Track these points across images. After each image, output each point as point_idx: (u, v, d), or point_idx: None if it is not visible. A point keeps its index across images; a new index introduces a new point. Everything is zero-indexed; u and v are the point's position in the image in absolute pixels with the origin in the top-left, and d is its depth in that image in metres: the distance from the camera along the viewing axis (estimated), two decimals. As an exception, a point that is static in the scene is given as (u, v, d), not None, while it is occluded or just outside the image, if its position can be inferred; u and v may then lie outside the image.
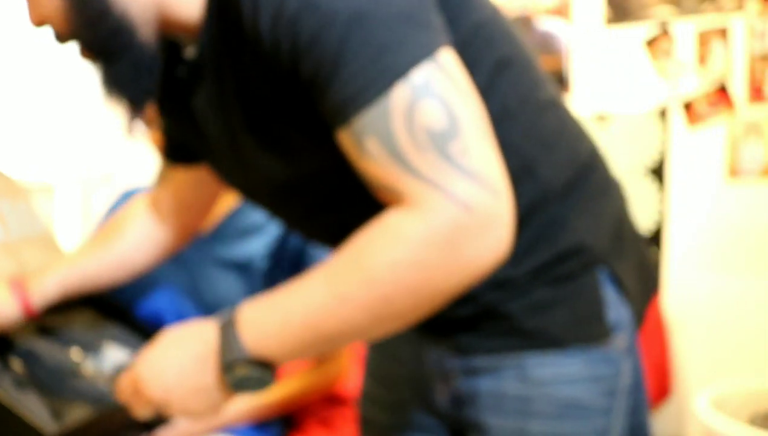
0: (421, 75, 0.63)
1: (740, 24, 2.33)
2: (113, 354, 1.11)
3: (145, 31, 0.75)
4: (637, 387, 0.87)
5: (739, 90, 2.34)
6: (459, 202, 0.62)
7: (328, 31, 0.63)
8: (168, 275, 1.35)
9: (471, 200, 0.63)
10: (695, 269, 2.41)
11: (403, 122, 0.63)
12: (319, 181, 0.76)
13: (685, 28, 2.42)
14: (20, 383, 0.98)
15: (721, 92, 2.36)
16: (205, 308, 1.35)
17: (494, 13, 0.78)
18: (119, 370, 1.09)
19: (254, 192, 0.87)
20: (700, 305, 2.40)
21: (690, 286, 2.39)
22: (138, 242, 1.05)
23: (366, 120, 0.64)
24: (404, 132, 0.63)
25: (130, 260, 1.05)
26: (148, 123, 1.44)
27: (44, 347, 1.07)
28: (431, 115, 0.63)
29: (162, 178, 1.04)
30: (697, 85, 2.40)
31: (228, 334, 0.71)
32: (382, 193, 0.66)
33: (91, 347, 1.12)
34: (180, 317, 1.34)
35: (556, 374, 0.79)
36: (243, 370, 0.71)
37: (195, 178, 1.01)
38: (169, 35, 0.79)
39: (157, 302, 1.34)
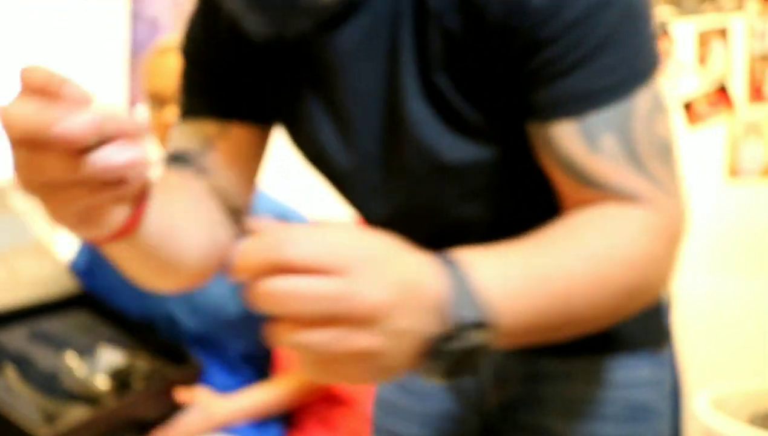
0: (658, 82, 0.63)
1: (740, 24, 2.33)
2: (107, 357, 1.12)
3: None
4: (676, 390, 0.88)
5: (739, 90, 2.34)
6: (681, 212, 0.64)
7: (602, 15, 0.59)
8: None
9: (684, 211, 0.64)
10: (695, 269, 2.40)
11: (644, 126, 0.62)
12: (485, 169, 0.70)
13: (685, 28, 2.41)
14: (13, 388, 0.98)
15: (721, 92, 2.36)
16: (197, 309, 1.35)
17: None
18: (114, 372, 1.09)
19: (391, 166, 0.72)
20: (700, 305, 2.39)
21: (690, 286, 2.38)
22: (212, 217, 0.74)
23: (609, 115, 0.61)
24: (644, 136, 0.62)
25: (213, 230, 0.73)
26: (154, 105, 1.38)
27: (38, 351, 1.07)
28: (664, 124, 0.63)
29: (205, 137, 0.75)
30: (697, 85, 2.39)
31: (462, 285, 0.50)
32: (598, 190, 0.62)
33: (85, 350, 1.12)
34: (171, 319, 1.34)
35: (628, 377, 0.78)
36: (475, 337, 0.49)
37: (251, 137, 0.77)
38: None
39: (150, 305, 1.34)
